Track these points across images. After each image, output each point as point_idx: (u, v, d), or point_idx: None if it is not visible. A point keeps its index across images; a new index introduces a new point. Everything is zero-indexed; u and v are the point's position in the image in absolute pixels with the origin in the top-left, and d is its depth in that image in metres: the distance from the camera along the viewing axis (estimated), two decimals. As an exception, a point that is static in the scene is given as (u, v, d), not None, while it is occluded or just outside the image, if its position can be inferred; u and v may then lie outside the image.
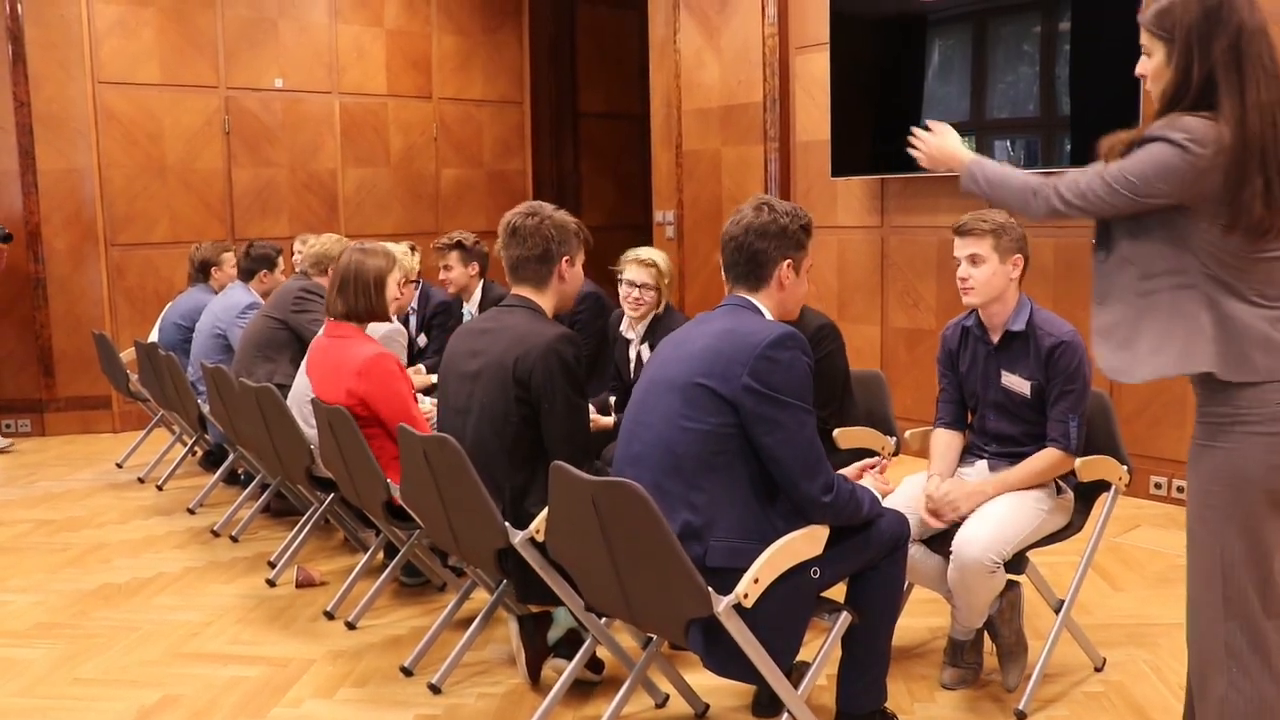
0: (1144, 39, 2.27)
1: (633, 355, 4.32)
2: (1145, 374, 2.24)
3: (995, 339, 3.17)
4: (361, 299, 3.81)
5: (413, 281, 4.66)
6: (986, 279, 3.07)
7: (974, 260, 3.08)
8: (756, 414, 2.40)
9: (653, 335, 4.18)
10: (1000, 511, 3.00)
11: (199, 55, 7.59)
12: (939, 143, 2.59)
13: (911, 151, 2.65)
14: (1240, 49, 2.13)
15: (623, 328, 4.36)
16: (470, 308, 5.26)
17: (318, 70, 8.09)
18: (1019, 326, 3.10)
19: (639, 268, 4.18)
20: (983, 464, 3.26)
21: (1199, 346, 2.19)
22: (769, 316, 2.61)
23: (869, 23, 6.16)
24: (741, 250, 2.62)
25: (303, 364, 4.44)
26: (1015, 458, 3.16)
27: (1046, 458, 3.06)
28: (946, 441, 3.32)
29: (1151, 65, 2.26)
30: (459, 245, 5.10)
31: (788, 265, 2.63)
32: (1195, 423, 2.33)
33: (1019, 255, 3.09)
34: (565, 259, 3.20)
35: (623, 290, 4.24)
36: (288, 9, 7.92)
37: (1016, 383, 3.12)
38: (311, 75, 8.07)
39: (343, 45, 8.18)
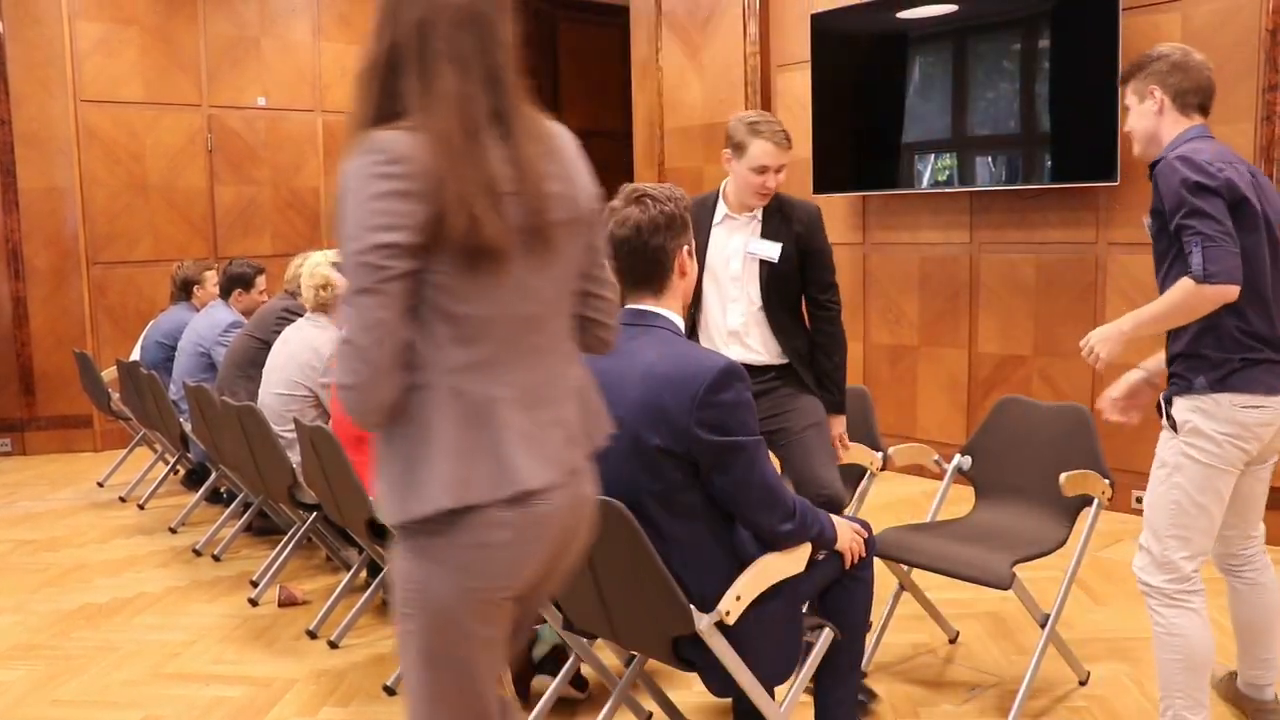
0: None
1: None
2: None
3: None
4: None
5: None
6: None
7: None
8: (709, 459, 2.32)
9: None
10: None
11: (182, 73, 7.59)
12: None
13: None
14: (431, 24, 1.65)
15: None
16: None
17: (301, 88, 8.09)
18: None
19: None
20: None
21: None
22: (678, 321, 2.47)
23: (850, 41, 6.19)
24: (639, 252, 2.42)
25: (263, 384, 4.42)
26: None
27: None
28: None
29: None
30: None
31: (685, 251, 2.47)
32: None
33: None
34: None
35: None
36: (270, 27, 7.93)
37: None
38: (294, 93, 8.07)
39: (326, 63, 8.18)
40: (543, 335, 1.76)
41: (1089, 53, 5.04)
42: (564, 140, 1.81)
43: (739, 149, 3.36)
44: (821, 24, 6.22)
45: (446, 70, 1.64)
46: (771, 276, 3.39)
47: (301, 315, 4.86)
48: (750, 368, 3.18)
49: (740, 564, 2.42)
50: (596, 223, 1.87)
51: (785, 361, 3.44)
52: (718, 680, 2.47)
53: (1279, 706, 3.03)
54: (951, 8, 5.67)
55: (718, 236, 3.46)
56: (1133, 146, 2.88)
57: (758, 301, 3.41)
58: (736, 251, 3.43)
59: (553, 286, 1.76)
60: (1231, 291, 2.51)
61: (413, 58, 1.65)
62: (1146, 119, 2.78)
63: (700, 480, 2.36)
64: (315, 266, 4.36)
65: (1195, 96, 2.74)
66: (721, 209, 3.48)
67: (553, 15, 9.99)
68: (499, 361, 1.69)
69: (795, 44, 6.49)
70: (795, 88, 6.53)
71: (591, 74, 10.10)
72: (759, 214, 3.44)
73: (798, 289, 3.47)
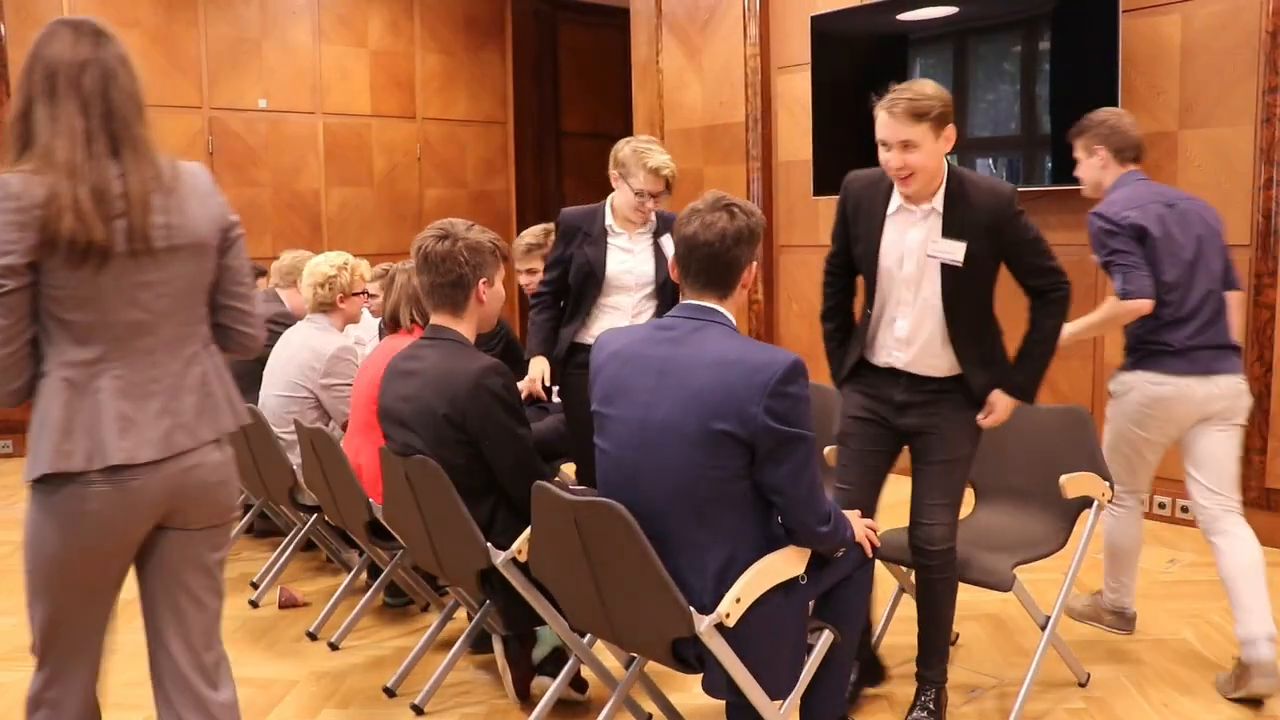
0: None
1: (627, 246, 3.91)
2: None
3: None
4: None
5: (358, 293, 4.52)
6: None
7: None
8: (769, 450, 2.34)
9: (662, 229, 3.89)
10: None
11: (182, 76, 7.59)
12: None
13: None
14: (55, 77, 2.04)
15: (609, 221, 3.92)
16: None
17: (301, 91, 8.10)
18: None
19: (655, 179, 3.80)
20: None
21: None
22: (733, 321, 2.51)
23: (850, 42, 6.19)
24: (718, 259, 2.47)
25: (264, 386, 4.39)
26: None
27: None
28: None
29: None
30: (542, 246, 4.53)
31: (753, 265, 2.55)
32: None
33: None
34: (483, 281, 3.08)
35: (633, 200, 3.82)
36: (271, 30, 7.93)
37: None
38: (295, 96, 8.07)
39: (326, 66, 8.19)
40: (155, 339, 2.12)
41: (1089, 55, 5.04)
42: (188, 177, 2.17)
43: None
44: (822, 26, 6.22)
45: (71, 109, 2.01)
46: (955, 280, 2.94)
47: (286, 324, 4.73)
48: (910, 376, 3.05)
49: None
50: (233, 248, 2.24)
51: (953, 374, 3.04)
52: (718, 680, 2.47)
53: (1266, 669, 3.18)
54: (952, 10, 5.67)
55: (890, 231, 3.02)
56: (1083, 189, 3.65)
57: (937, 307, 2.98)
58: (911, 250, 2.98)
59: (164, 301, 2.11)
60: (1146, 305, 3.32)
61: (45, 102, 2.02)
62: (1093, 171, 3.57)
63: (753, 471, 2.38)
64: (315, 266, 4.35)
65: (1131, 151, 3.52)
66: (896, 198, 3.01)
67: (553, 17, 10.00)
68: (107, 359, 2.06)
69: (795, 46, 6.49)
70: (795, 90, 6.53)
71: (592, 76, 10.10)
72: (939, 203, 2.94)
73: (988, 287, 3.02)
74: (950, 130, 2.89)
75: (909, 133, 2.85)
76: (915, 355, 3.03)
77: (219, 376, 2.24)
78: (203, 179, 2.20)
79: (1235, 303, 3.54)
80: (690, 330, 2.47)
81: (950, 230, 2.93)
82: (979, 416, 3.05)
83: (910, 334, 3.02)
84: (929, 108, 2.84)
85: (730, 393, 2.33)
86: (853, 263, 3.15)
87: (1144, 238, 3.33)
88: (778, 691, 2.51)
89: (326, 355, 4.22)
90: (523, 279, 4.48)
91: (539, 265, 4.30)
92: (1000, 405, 3.05)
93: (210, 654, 2.39)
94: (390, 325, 3.88)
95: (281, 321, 4.82)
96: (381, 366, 3.66)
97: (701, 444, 2.36)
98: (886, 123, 2.89)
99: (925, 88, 2.89)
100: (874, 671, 3.41)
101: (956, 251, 2.91)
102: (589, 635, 2.96)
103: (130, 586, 4.46)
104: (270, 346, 4.57)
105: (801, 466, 2.38)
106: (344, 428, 4.07)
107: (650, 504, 2.38)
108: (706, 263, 2.49)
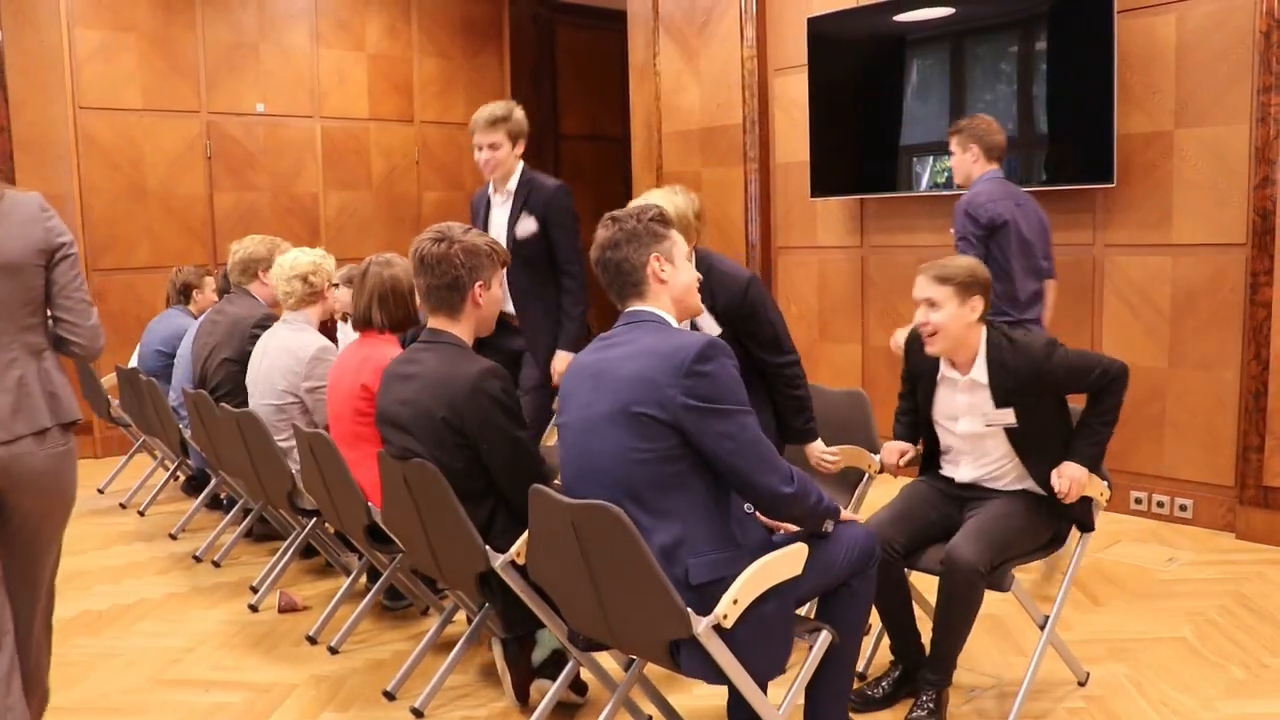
0: None
1: None
2: None
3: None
4: (400, 309, 3.83)
5: (336, 284, 4.52)
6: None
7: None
8: (701, 429, 2.39)
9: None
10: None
11: (180, 80, 7.60)
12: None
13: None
14: None
15: None
16: None
17: (299, 94, 8.10)
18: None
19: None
20: None
21: None
22: (672, 320, 2.61)
23: (847, 44, 6.20)
24: (607, 269, 2.62)
25: (250, 398, 4.38)
26: None
27: None
28: None
29: None
30: None
31: (656, 260, 2.59)
32: None
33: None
34: (479, 284, 3.07)
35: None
36: (269, 33, 7.94)
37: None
38: (293, 99, 8.08)
39: (324, 69, 8.20)
40: None
41: (1085, 55, 5.05)
42: (8, 206, 2.51)
43: None
44: (819, 27, 6.23)
45: None
46: (1020, 433, 3.16)
47: (270, 324, 4.63)
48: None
49: (737, 544, 2.46)
50: (58, 267, 2.62)
51: (1018, 487, 3.28)
52: (699, 664, 2.48)
53: None
54: (948, 10, 5.68)
55: (941, 392, 3.31)
56: (955, 178, 4.48)
57: (1001, 458, 3.24)
58: (962, 413, 3.25)
59: None
60: None
61: None
62: (965, 164, 4.38)
63: (691, 449, 2.41)
64: (295, 261, 4.31)
65: (996, 151, 4.35)
66: (943, 364, 3.29)
67: (551, 20, 10.02)
68: None
69: (793, 47, 6.49)
70: (793, 91, 6.54)
71: (590, 78, 10.11)
72: (981, 374, 3.18)
73: (1055, 410, 3.22)
74: (976, 301, 3.15)
75: (933, 292, 3.16)
76: (979, 481, 3.30)
77: (42, 379, 2.59)
78: (26, 207, 2.54)
79: (1050, 288, 4.50)
80: (624, 333, 2.59)
81: (999, 401, 3.15)
82: (1056, 486, 3.13)
83: (972, 479, 3.29)
84: (953, 274, 3.15)
85: (650, 380, 2.41)
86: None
87: (1003, 226, 4.17)
88: (764, 676, 2.52)
89: (306, 358, 4.20)
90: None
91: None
92: (1070, 471, 3.13)
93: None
94: (362, 325, 3.84)
95: (266, 325, 4.65)
96: (345, 379, 3.69)
97: (624, 426, 2.42)
98: (918, 282, 3.22)
99: (960, 259, 3.26)
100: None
101: (1008, 417, 3.15)
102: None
103: (136, 590, 4.45)
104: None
105: (737, 438, 2.41)
106: (326, 429, 4.06)
107: (591, 497, 2.42)
108: (605, 275, 2.64)
